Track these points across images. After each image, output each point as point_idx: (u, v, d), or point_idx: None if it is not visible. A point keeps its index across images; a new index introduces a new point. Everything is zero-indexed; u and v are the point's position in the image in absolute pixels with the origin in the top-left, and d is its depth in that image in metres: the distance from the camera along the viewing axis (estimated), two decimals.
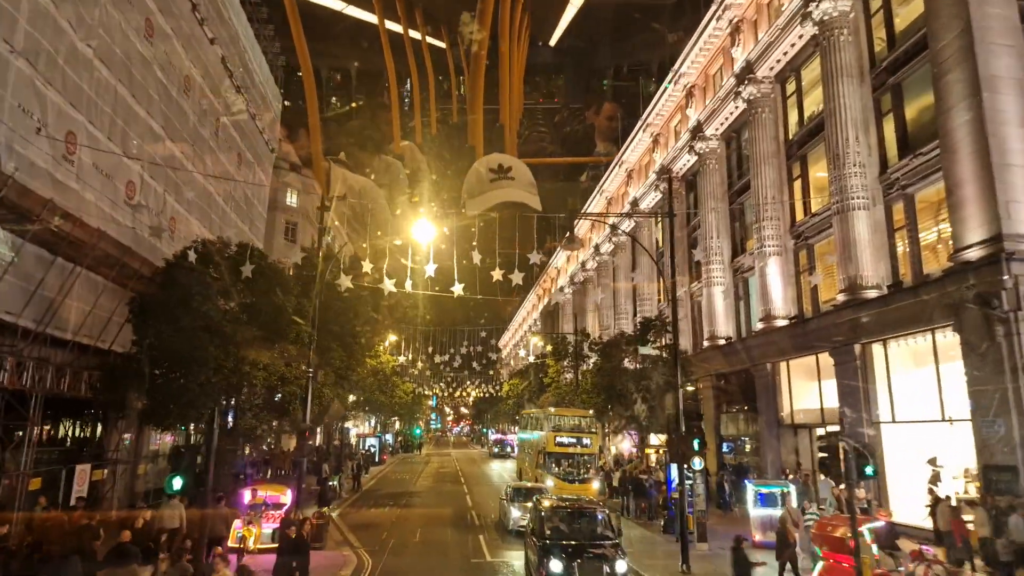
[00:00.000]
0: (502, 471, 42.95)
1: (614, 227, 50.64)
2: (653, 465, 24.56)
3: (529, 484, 21.40)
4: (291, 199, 48.34)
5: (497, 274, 16.84)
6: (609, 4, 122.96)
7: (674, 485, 20.64)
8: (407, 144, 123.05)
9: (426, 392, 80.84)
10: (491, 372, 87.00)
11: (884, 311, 19.72)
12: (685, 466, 14.99)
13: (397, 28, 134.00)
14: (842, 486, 11.76)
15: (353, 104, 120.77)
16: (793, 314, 26.59)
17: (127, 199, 20.85)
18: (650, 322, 27.13)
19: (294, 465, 27.79)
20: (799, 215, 27.53)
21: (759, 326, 27.74)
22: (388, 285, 16.45)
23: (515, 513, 19.55)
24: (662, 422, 25.60)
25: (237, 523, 15.55)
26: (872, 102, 22.55)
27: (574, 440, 26.93)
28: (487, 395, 77.08)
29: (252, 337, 16.28)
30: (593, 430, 27.59)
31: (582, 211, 58.36)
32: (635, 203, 44.92)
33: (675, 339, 18.22)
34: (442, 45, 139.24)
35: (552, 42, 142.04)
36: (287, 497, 17.41)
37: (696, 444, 14.21)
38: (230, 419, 19.73)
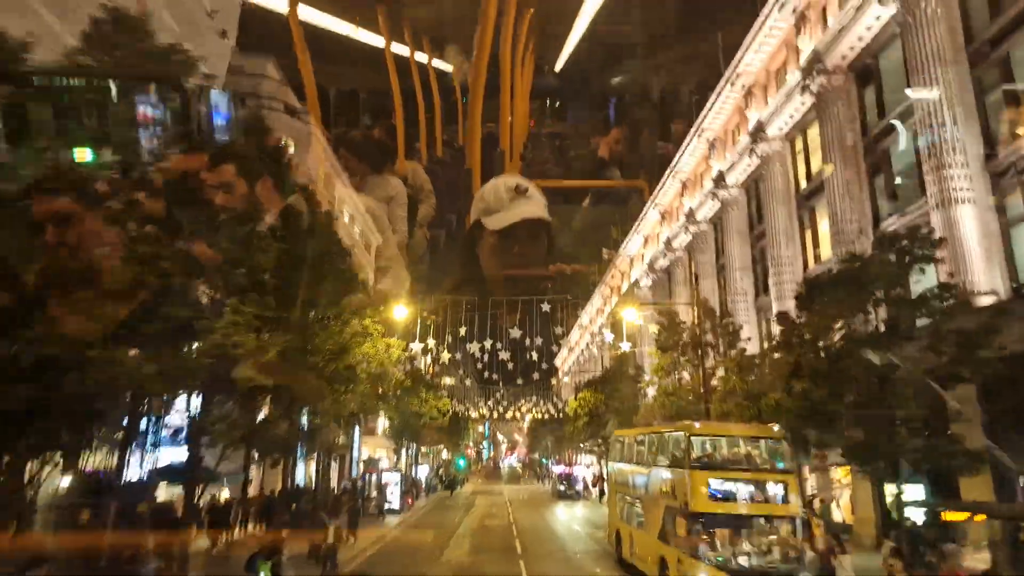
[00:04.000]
0: (578, 527, 28.67)
1: (720, 178, 36.58)
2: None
3: None
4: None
5: None
6: (613, 30, 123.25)
7: None
8: (410, 164, 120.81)
9: (472, 414, 67.19)
10: (550, 386, 72.82)
11: None
12: None
13: (404, 51, 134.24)
14: None
15: (357, 132, 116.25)
16: None
17: None
18: (901, 242, 13.04)
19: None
20: None
21: None
22: None
23: None
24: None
25: None
26: None
27: (752, 489, 12.83)
28: (547, 416, 62.91)
29: None
30: (786, 466, 13.48)
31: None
32: (762, 127, 30.74)
33: None
34: (449, 68, 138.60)
35: (557, 68, 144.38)
36: None
37: None
38: None
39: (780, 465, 13.49)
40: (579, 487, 45.79)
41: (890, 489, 19.30)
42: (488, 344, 26.39)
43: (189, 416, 23.37)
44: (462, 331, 24.89)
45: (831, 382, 12.59)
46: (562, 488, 45.22)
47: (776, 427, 13.90)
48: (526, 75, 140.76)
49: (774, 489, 12.94)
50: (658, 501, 15.07)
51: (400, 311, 22.33)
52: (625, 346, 24.40)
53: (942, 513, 12.35)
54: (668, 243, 46.07)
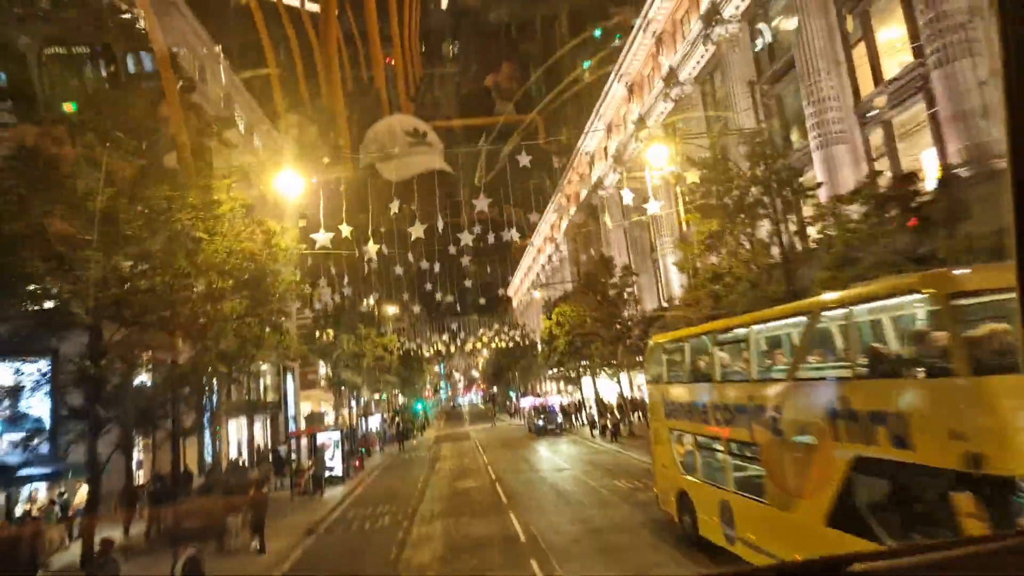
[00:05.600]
0: (586, 478, 21.32)
1: (712, 12, 28.20)
2: None
3: None
4: None
5: None
6: None
7: None
8: (294, 117, 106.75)
9: (425, 351, 59.28)
10: (506, 314, 65.39)
11: None
12: None
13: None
14: None
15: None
16: None
17: None
18: None
19: None
20: None
21: None
22: None
23: None
24: None
25: None
26: None
27: None
28: (511, 344, 55.61)
29: None
30: None
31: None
32: None
33: None
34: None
35: (444, 4, 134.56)
36: None
37: None
38: None
39: None
40: (559, 419, 39.01)
41: None
42: (439, 224, 18.12)
43: None
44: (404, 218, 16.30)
45: None
46: (540, 423, 38.28)
47: None
48: (412, 15, 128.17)
49: None
50: (824, 449, 7.44)
51: (290, 180, 13.41)
52: (652, 207, 16.49)
53: None
54: (641, 120, 37.99)
